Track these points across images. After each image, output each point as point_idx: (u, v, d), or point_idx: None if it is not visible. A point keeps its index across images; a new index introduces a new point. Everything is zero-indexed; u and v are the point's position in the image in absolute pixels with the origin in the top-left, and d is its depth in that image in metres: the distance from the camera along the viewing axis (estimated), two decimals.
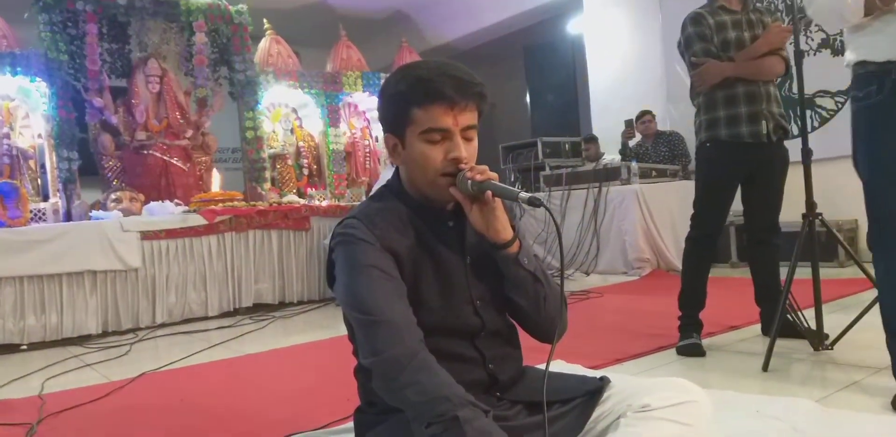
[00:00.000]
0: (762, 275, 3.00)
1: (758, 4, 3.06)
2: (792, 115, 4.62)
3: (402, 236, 1.32)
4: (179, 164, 5.76)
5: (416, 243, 1.34)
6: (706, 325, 3.23)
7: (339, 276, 1.30)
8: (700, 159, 3.01)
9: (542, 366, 1.53)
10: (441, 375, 1.16)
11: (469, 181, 1.27)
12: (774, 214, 2.97)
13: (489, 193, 1.28)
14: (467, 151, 1.31)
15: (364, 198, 6.22)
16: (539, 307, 1.38)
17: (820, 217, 2.69)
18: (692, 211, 3.01)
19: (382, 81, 1.38)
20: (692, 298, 2.98)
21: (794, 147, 2.86)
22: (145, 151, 5.62)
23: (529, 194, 1.25)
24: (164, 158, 5.69)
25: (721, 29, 2.90)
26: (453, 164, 1.30)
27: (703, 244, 3.00)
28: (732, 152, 2.87)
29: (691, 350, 2.81)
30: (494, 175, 1.29)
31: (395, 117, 1.32)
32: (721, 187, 2.93)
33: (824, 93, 5.46)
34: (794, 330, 2.70)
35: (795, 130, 3.08)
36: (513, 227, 1.37)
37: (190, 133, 5.83)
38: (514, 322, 1.46)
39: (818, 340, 2.62)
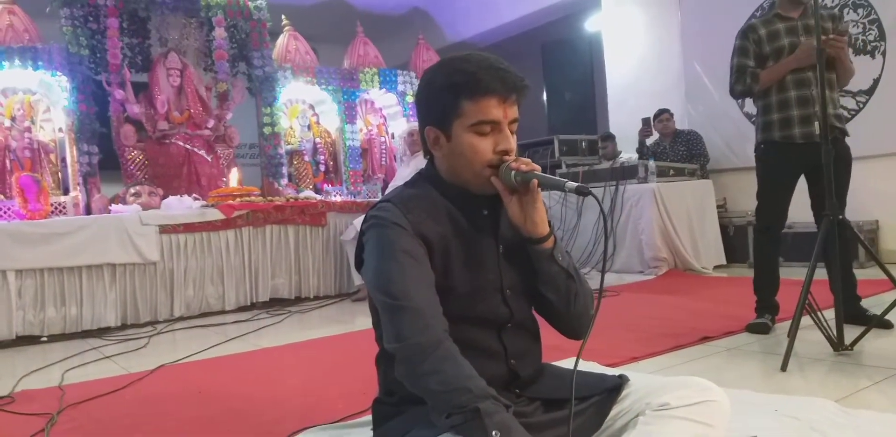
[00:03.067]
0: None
1: (821, 11, 3.07)
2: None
3: (436, 222, 1.32)
4: (202, 153, 5.78)
5: (449, 230, 1.34)
6: (723, 323, 3.27)
7: (369, 259, 1.29)
8: (757, 159, 3.26)
9: (560, 363, 1.54)
10: (464, 366, 1.16)
11: (513, 172, 1.28)
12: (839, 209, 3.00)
13: (534, 182, 1.28)
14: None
15: (380, 195, 6.24)
16: (569, 304, 1.38)
17: (841, 217, 2.67)
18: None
19: (424, 75, 1.37)
20: (764, 283, 3.22)
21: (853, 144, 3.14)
22: (168, 141, 5.64)
23: (577, 183, 1.24)
24: (187, 146, 5.70)
25: (774, 38, 3.12)
26: (501, 156, 1.30)
27: (768, 235, 3.23)
28: (786, 153, 3.10)
29: (757, 328, 3.10)
30: (538, 167, 1.30)
31: (441, 110, 1.32)
32: (777, 185, 3.14)
33: (845, 92, 5.41)
34: (863, 317, 2.92)
35: (851, 130, 3.20)
36: (548, 223, 1.37)
37: (212, 123, 5.84)
38: (542, 318, 1.46)
39: (838, 340, 2.61)
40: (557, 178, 1.28)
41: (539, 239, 1.34)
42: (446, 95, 1.30)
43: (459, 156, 1.32)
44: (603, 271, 1.43)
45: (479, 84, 1.27)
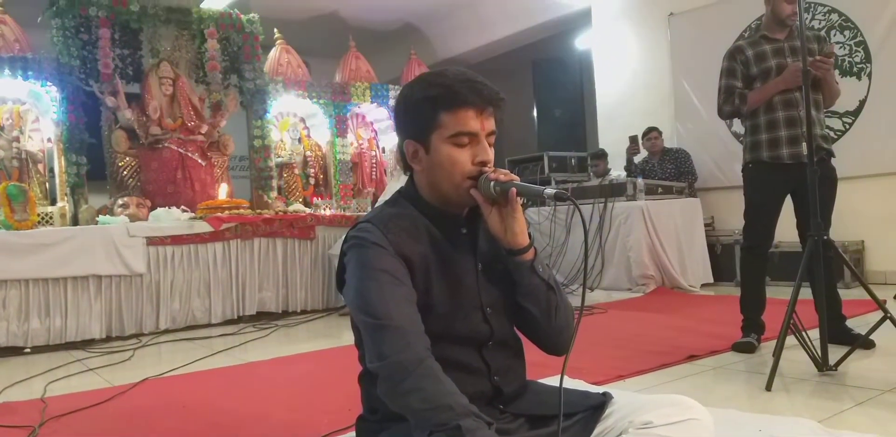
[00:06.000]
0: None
1: (807, 32, 3.13)
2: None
3: (416, 241, 1.33)
4: (196, 157, 5.76)
5: (429, 249, 1.34)
6: (709, 342, 3.28)
7: (350, 279, 1.30)
8: (745, 179, 3.29)
9: (545, 381, 1.53)
10: (446, 383, 1.16)
11: (492, 182, 1.28)
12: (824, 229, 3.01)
13: (513, 191, 1.28)
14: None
15: (370, 209, 6.24)
16: (551, 317, 1.38)
17: (826, 237, 2.69)
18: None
19: (402, 90, 1.39)
20: (750, 302, 3.24)
21: (839, 165, 3.18)
22: (160, 145, 5.61)
23: (555, 189, 1.25)
24: (181, 151, 5.68)
25: (761, 59, 3.16)
26: (480, 167, 1.32)
27: (755, 254, 3.24)
28: (774, 172, 3.13)
29: (742, 347, 3.12)
30: (516, 177, 1.31)
31: (420, 122, 1.33)
32: (764, 204, 3.17)
33: (832, 113, 5.47)
34: (849, 337, 2.95)
35: (837, 151, 3.24)
36: (528, 234, 1.38)
37: (205, 129, 5.81)
38: (522, 334, 1.46)
39: (822, 361, 2.62)
40: (535, 186, 1.30)
41: (519, 250, 1.34)
42: (424, 107, 1.32)
43: (438, 168, 1.33)
44: (585, 272, 1.43)
45: (457, 96, 1.29)
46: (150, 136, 5.56)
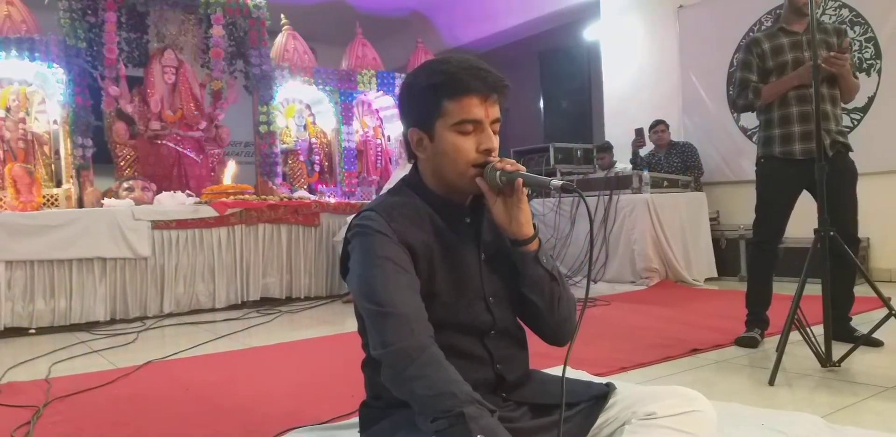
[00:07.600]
0: (835, 285, 2.85)
1: (826, 25, 3.10)
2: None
3: (419, 230, 1.33)
4: (192, 155, 5.78)
5: (433, 238, 1.34)
6: (712, 336, 3.28)
7: (354, 267, 1.30)
8: (757, 174, 3.25)
9: (548, 371, 1.54)
10: (449, 371, 1.16)
11: (498, 172, 1.28)
12: (847, 225, 2.99)
13: (519, 181, 1.28)
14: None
15: (374, 196, 6.23)
16: (554, 307, 1.38)
17: (832, 234, 2.67)
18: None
19: (406, 77, 1.38)
20: (756, 297, 3.22)
21: (857, 159, 3.14)
22: (159, 141, 5.63)
23: (562, 181, 1.24)
24: (178, 148, 5.70)
25: (778, 52, 3.12)
26: (485, 155, 1.31)
27: (763, 249, 3.21)
28: (786, 168, 3.09)
29: (745, 342, 3.10)
30: (523, 167, 1.30)
31: (424, 110, 1.32)
32: (775, 200, 3.13)
33: (841, 109, 5.43)
34: (851, 338, 2.88)
35: (856, 144, 3.21)
36: (532, 225, 1.37)
37: (203, 125, 5.83)
38: (525, 325, 1.46)
39: (826, 356, 2.62)
40: (541, 176, 1.29)
41: (524, 240, 1.34)
42: (428, 95, 1.31)
43: (443, 156, 1.32)
44: (590, 266, 1.42)
45: (460, 83, 1.28)
46: (149, 130, 5.58)
